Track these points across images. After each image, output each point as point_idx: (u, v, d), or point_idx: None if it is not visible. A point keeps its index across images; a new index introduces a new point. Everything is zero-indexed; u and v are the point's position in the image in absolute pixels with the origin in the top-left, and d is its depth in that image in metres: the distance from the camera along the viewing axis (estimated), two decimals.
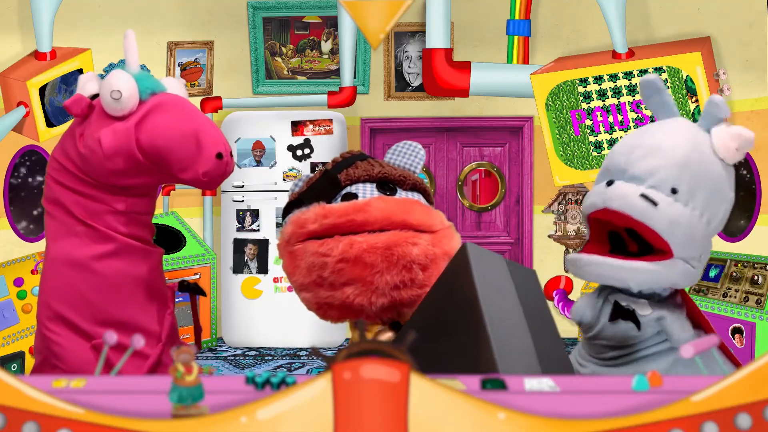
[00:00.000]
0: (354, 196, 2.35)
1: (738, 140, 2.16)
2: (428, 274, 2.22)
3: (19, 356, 4.09)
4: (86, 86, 2.64)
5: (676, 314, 2.19)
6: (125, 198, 2.62)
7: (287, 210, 2.46)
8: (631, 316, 2.18)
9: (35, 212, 4.82)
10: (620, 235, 2.22)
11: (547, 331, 1.99)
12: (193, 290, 3.01)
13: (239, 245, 5.42)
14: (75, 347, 2.56)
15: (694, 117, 4.38)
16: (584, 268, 2.22)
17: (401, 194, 2.41)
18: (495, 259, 2.02)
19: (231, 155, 2.63)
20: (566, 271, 2.66)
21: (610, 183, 2.19)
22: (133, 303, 2.65)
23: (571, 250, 5.59)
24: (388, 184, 2.42)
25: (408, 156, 2.56)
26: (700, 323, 2.24)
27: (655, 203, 2.08)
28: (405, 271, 2.20)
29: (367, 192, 2.37)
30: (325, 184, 2.40)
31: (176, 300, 2.92)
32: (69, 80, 4.71)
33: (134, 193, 2.65)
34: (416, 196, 2.45)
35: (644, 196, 2.09)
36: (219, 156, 2.55)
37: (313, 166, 5.33)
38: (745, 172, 4.55)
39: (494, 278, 1.92)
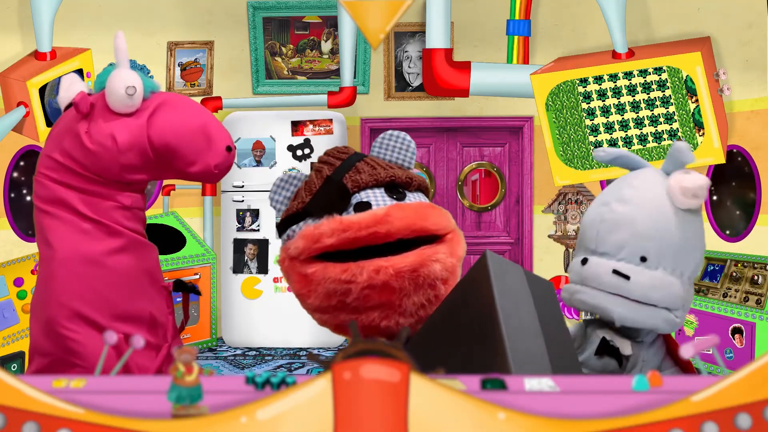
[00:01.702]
0: (367, 205, 2.23)
1: (692, 191, 2.21)
2: (448, 286, 2.20)
3: (19, 356, 4.09)
4: (72, 87, 2.69)
5: (654, 359, 2.28)
6: (130, 194, 2.68)
7: (287, 223, 2.31)
8: (615, 353, 2.25)
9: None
10: None
11: (562, 344, 1.98)
12: (188, 290, 3.02)
13: (239, 245, 5.42)
14: (95, 344, 2.56)
15: (694, 117, 4.38)
16: (574, 295, 2.32)
17: (410, 197, 2.32)
18: (513, 269, 2.01)
19: (235, 147, 2.74)
20: (566, 271, 2.70)
21: (584, 261, 2.30)
22: (144, 296, 2.68)
23: (571, 250, 5.59)
24: (397, 187, 2.32)
25: (399, 150, 2.44)
26: (680, 362, 2.33)
27: (627, 277, 2.19)
28: (430, 289, 2.16)
29: (378, 199, 2.25)
30: (333, 193, 2.26)
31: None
32: None
33: (137, 189, 2.70)
34: (421, 196, 2.39)
35: (616, 272, 2.20)
36: (228, 149, 2.66)
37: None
38: (740, 160, 4.55)
39: (512, 287, 1.91)
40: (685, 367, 2.33)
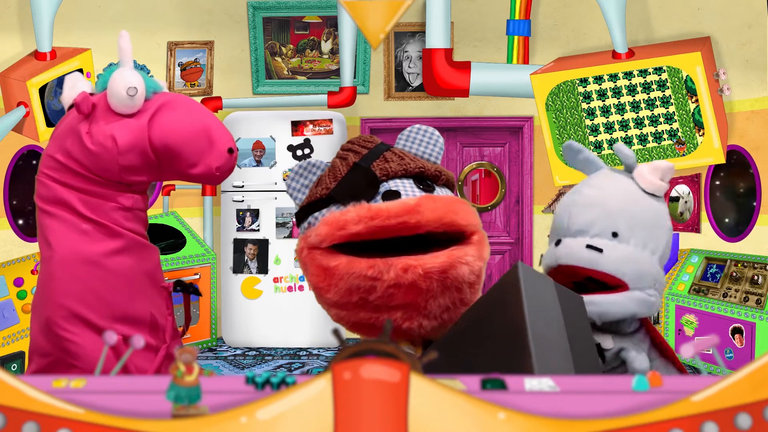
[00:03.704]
0: (396, 194, 2.13)
1: (658, 173, 2.36)
2: (474, 290, 2.14)
3: (19, 356, 4.09)
4: (76, 86, 2.68)
5: (637, 348, 2.33)
6: (131, 195, 2.68)
7: (309, 210, 2.22)
8: (596, 349, 2.26)
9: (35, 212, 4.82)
10: (584, 284, 2.39)
11: (589, 359, 1.94)
12: (189, 290, 3.01)
13: (239, 245, 5.42)
14: (94, 346, 2.56)
15: (694, 117, 4.38)
16: None
17: (438, 191, 2.25)
18: (544, 282, 1.96)
19: (237, 149, 2.74)
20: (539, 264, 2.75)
21: (558, 242, 2.40)
22: (143, 298, 2.67)
23: None
24: (425, 180, 2.24)
25: (426, 144, 2.38)
26: (666, 353, 2.39)
27: (600, 250, 2.28)
28: (456, 292, 2.08)
29: (407, 189, 2.16)
30: (360, 180, 2.15)
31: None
32: None
33: (137, 190, 2.70)
34: (448, 192, 2.32)
35: (590, 246, 2.29)
36: (230, 151, 2.66)
37: None
38: (733, 156, 4.55)
39: (542, 301, 1.86)
40: (671, 358, 2.36)
